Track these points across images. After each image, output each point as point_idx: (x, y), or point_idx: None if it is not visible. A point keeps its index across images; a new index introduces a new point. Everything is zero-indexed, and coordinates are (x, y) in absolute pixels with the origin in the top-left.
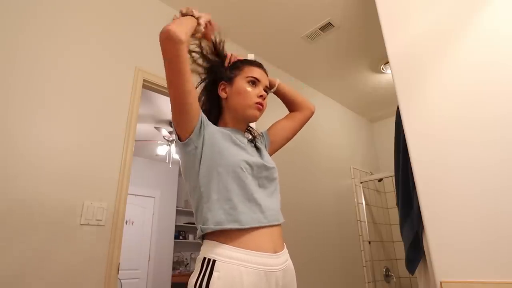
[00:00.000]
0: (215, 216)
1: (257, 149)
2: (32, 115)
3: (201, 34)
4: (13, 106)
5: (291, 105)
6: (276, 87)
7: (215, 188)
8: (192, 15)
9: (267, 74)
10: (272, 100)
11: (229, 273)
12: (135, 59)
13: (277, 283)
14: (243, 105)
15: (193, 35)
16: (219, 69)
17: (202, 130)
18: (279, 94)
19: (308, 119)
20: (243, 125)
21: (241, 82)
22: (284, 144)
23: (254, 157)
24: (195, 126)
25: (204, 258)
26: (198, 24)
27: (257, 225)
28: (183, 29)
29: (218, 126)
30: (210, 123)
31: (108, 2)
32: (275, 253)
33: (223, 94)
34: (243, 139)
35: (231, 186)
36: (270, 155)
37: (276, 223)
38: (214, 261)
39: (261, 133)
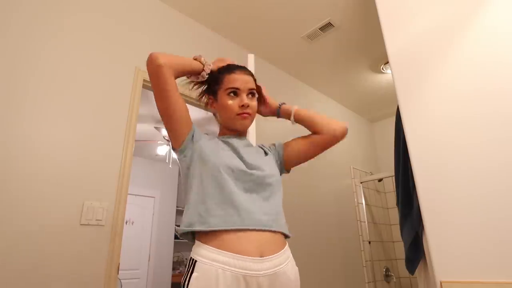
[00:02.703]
0: (189, 218)
1: (265, 153)
2: (33, 115)
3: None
4: (13, 107)
5: (312, 128)
6: (292, 117)
7: (195, 191)
8: (200, 61)
9: (250, 74)
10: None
11: (206, 274)
12: (135, 59)
13: None
14: (227, 119)
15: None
16: (204, 84)
17: (193, 143)
18: (298, 121)
19: (329, 144)
20: (241, 133)
21: (222, 96)
22: (299, 163)
23: (240, 162)
24: (185, 138)
25: (190, 258)
26: (203, 70)
27: (231, 228)
28: (167, 57)
29: (218, 134)
30: (203, 136)
31: (108, 2)
32: (261, 257)
33: (212, 109)
34: (238, 142)
35: (209, 190)
36: (289, 170)
37: (261, 228)
38: (195, 261)
39: (274, 144)
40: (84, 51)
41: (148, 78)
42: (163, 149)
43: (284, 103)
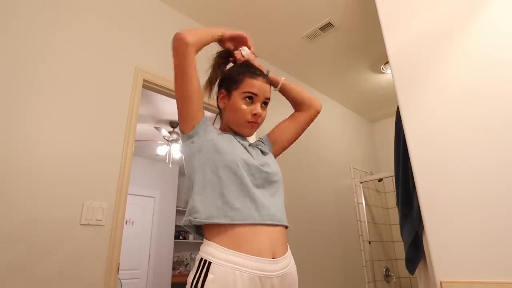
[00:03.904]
0: (207, 210)
1: (262, 152)
2: (32, 115)
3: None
4: (13, 107)
5: (296, 104)
6: (279, 86)
7: (210, 182)
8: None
9: (269, 83)
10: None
11: (223, 277)
12: (135, 59)
13: None
14: (236, 122)
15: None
16: (222, 78)
17: (205, 131)
18: (283, 92)
19: (313, 118)
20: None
21: (237, 97)
22: (287, 146)
23: (253, 159)
24: (196, 125)
25: (201, 259)
26: (222, 37)
27: (250, 222)
28: (194, 36)
29: (220, 128)
30: (213, 128)
31: (108, 2)
32: (274, 258)
33: (221, 104)
34: (244, 142)
35: (227, 182)
36: (275, 158)
37: (276, 223)
38: (210, 263)
39: (261, 139)
40: (84, 51)
41: (148, 78)
42: (163, 149)
43: (269, 71)
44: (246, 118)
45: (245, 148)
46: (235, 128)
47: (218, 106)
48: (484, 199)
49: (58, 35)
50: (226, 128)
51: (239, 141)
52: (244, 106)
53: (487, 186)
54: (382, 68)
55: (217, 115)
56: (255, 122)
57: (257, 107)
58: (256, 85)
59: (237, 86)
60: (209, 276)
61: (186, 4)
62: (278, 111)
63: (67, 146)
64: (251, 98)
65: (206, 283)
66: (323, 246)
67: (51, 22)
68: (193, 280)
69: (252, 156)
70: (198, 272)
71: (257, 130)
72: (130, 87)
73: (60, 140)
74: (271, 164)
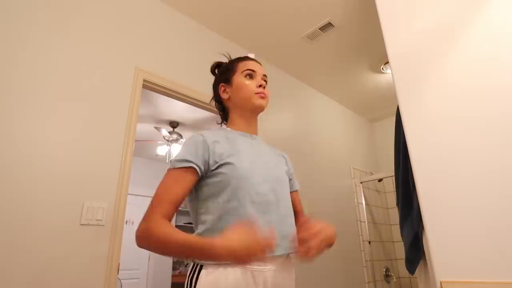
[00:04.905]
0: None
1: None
2: (32, 115)
3: None
4: (13, 106)
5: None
6: None
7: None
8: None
9: (260, 64)
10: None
11: (216, 271)
12: (135, 59)
13: (265, 283)
14: (245, 98)
15: None
16: (216, 76)
17: (206, 170)
18: None
19: None
20: (253, 120)
21: (238, 78)
22: None
23: (251, 161)
24: (199, 176)
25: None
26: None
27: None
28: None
29: (228, 127)
30: (211, 154)
31: (108, 2)
32: None
33: (225, 95)
34: (250, 142)
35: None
36: None
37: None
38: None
39: (285, 156)
40: (84, 51)
41: (148, 78)
42: (163, 149)
43: None
44: (253, 90)
45: (248, 147)
46: (247, 105)
47: (221, 103)
48: (484, 199)
49: (58, 35)
50: (237, 120)
51: (240, 145)
52: (247, 82)
53: (487, 186)
54: (382, 68)
55: (222, 122)
56: (262, 93)
57: (259, 80)
58: (251, 63)
59: (234, 70)
60: (203, 271)
61: (186, 4)
62: (278, 111)
63: (67, 146)
64: (250, 75)
65: (200, 274)
66: None
67: (51, 22)
68: (188, 276)
69: (267, 164)
70: (193, 268)
71: (266, 135)
72: (130, 87)
73: (60, 140)
74: (275, 167)
